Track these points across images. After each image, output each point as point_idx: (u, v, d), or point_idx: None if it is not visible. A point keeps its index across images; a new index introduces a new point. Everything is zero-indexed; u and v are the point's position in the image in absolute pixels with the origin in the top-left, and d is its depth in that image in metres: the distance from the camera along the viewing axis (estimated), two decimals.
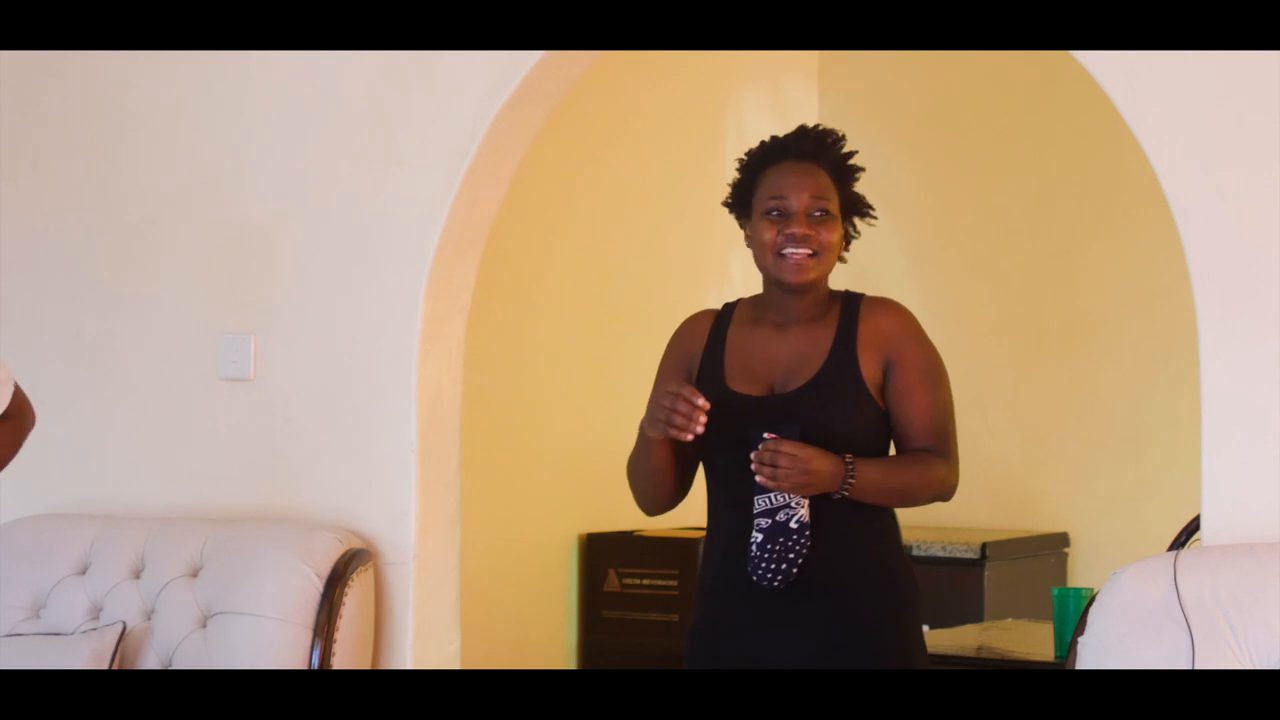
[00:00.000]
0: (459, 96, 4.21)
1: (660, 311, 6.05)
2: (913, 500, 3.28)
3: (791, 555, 3.17)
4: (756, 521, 3.21)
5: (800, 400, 3.24)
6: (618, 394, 5.90)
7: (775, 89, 6.54)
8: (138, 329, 4.57)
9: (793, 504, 3.18)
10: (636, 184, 5.99)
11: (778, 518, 3.19)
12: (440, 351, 4.28)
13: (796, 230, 3.25)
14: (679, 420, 3.16)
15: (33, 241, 4.69)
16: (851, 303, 3.32)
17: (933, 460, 3.26)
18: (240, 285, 4.47)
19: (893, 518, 3.31)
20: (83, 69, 4.62)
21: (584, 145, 5.71)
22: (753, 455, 3.17)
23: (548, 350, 5.64)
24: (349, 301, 4.33)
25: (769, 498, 3.19)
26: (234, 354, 4.44)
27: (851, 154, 3.35)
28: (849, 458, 3.19)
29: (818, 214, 3.27)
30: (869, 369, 3.25)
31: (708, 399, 3.26)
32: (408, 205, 4.26)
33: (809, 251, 3.26)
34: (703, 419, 3.16)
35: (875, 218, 3.37)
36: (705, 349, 3.38)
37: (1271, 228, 3.38)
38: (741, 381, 3.30)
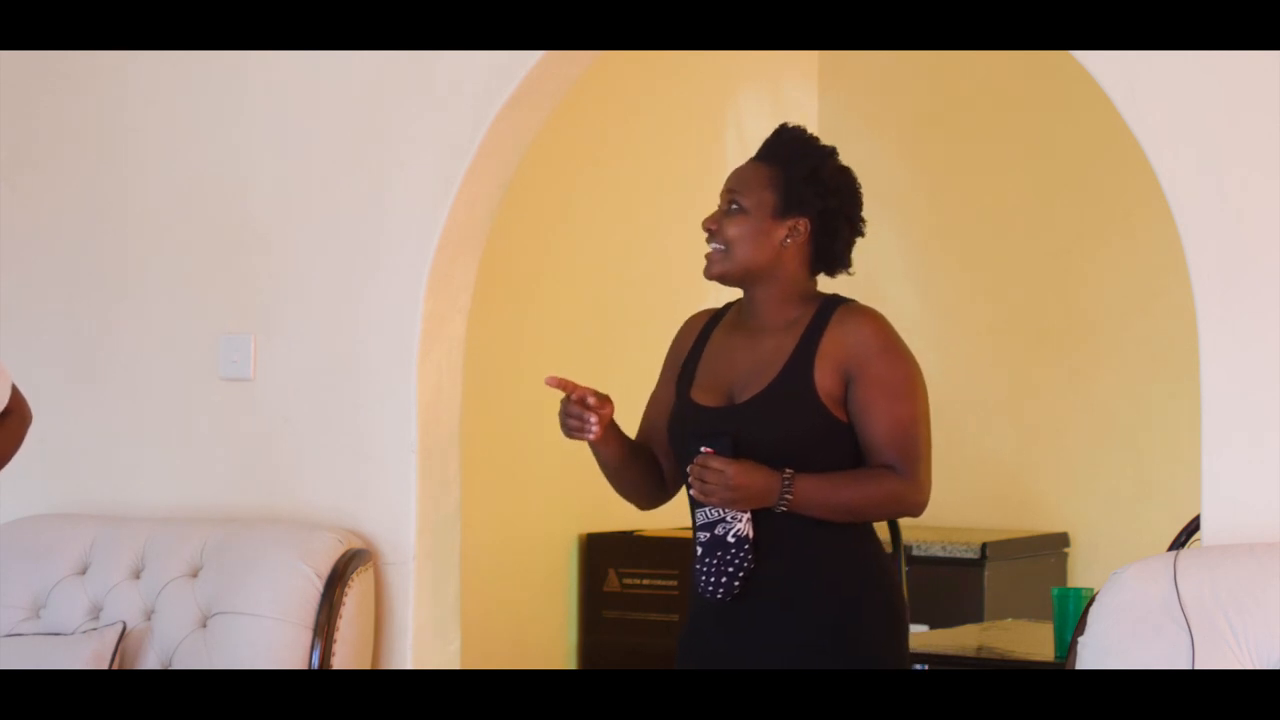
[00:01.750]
0: (459, 96, 4.21)
1: (660, 311, 6.04)
2: (864, 516, 3.22)
3: (730, 569, 3.15)
4: (697, 535, 3.21)
5: (747, 412, 3.21)
6: (618, 394, 5.88)
7: (775, 89, 6.53)
8: (138, 329, 4.57)
9: (728, 518, 3.16)
10: (636, 184, 5.99)
11: (716, 531, 3.17)
12: (440, 351, 4.28)
13: (704, 222, 3.30)
14: (572, 424, 3.28)
15: (33, 242, 4.69)
16: (826, 310, 3.26)
17: (887, 477, 3.18)
18: (240, 285, 4.46)
19: (860, 531, 3.24)
20: (83, 69, 4.62)
21: (584, 145, 5.71)
22: (688, 469, 3.17)
23: (548, 350, 5.63)
24: (349, 301, 4.33)
25: (706, 511, 3.18)
26: (234, 354, 4.43)
27: (804, 147, 3.28)
28: (787, 472, 3.14)
29: (730, 207, 3.27)
30: (825, 381, 3.19)
31: (675, 409, 3.32)
32: (408, 205, 4.26)
33: (715, 246, 3.28)
34: (593, 419, 3.24)
35: (831, 209, 3.24)
36: (689, 352, 3.38)
37: (1271, 228, 3.38)
38: (704, 390, 3.29)
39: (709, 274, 3.30)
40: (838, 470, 3.19)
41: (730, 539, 3.14)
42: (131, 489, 4.54)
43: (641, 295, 5.99)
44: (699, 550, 3.19)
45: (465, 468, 4.39)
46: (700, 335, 3.39)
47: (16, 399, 3.41)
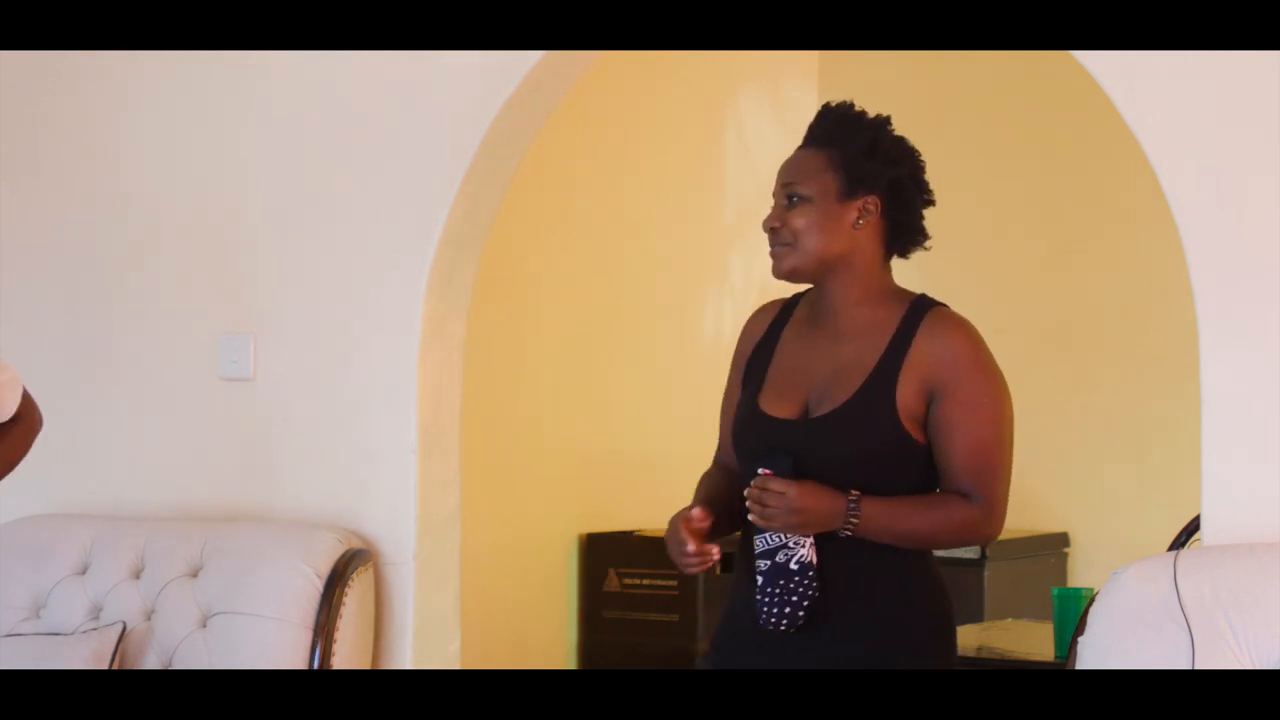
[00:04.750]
0: (459, 96, 4.21)
1: (659, 311, 6.07)
2: (932, 545, 3.02)
3: (794, 599, 2.95)
4: (757, 563, 2.99)
5: (824, 428, 2.99)
6: (618, 394, 5.91)
7: (775, 89, 6.53)
8: (138, 329, 4.57)
9: (790, 543, 2.95)
10: (636, 183, 6.00)
11: (777, 559, 2.96)
12: (440, 351, 4.28)
13: (765, 223, 3.09)
14: (691, 563, 3.00)
15: (33, 242, 4.69)
16: (915, 315, 3.05)
17: (959, 505, 2.98)
18: (240, 285, 4.47)
19: (921, 555, 3.05)
20: (82, 69, 4.62)
21: (584, 145, 5.71)
22: (745, 492, 2.97)
23: (548, 350, 5.64)
24: (349, 301, 4.33)
25: (766, 537, 2.97)
26: (234, 354, 4.44)
27: (855, 122, 3.13)
28: (854, 495, 2.94)
29: (790, 200, 3.06)
30: (907, 398, 2.98)
31: (741, 419, 3.09)
32: (408, 205, 4.26)
33: (781, 242, 3.06)
34: (715, 553, 2.98)
35: (899, 178, 3.11)
36: (755, 349, 3.16)
37: (1271, 228, 3.38)
38: (775, 398, 3.06)
39: (778, 271, 3.07)
40: (907, 494, 2.99)
41: (793, 566, 2.95)
42: (131, 489, 4.54)
43: (641, 295, 6.00)
44: (759, 580, 2.97)
45: (465, 468, 4.39)
46: (769, 331, 3.16)
47: (27, 405, 3.43)
